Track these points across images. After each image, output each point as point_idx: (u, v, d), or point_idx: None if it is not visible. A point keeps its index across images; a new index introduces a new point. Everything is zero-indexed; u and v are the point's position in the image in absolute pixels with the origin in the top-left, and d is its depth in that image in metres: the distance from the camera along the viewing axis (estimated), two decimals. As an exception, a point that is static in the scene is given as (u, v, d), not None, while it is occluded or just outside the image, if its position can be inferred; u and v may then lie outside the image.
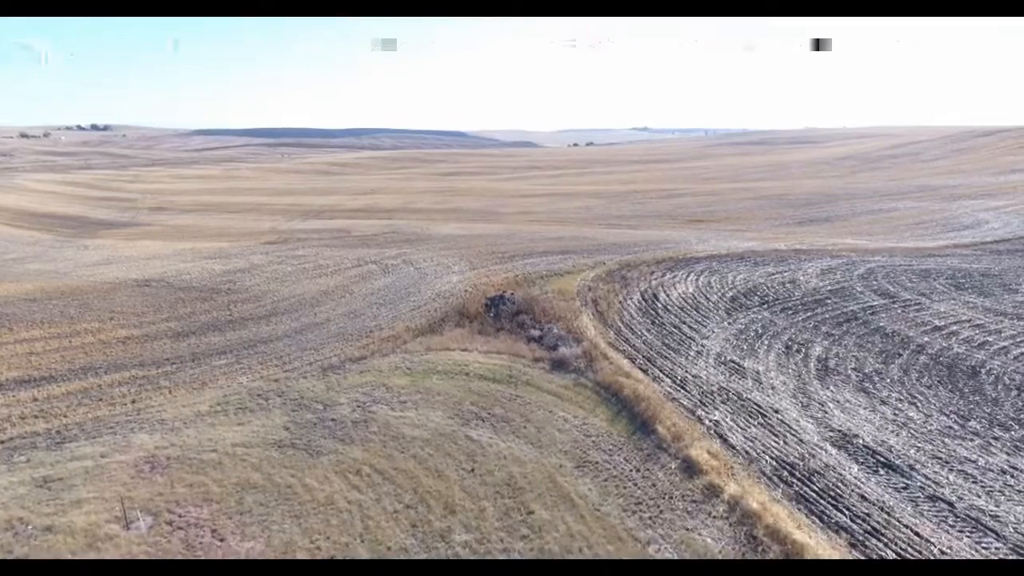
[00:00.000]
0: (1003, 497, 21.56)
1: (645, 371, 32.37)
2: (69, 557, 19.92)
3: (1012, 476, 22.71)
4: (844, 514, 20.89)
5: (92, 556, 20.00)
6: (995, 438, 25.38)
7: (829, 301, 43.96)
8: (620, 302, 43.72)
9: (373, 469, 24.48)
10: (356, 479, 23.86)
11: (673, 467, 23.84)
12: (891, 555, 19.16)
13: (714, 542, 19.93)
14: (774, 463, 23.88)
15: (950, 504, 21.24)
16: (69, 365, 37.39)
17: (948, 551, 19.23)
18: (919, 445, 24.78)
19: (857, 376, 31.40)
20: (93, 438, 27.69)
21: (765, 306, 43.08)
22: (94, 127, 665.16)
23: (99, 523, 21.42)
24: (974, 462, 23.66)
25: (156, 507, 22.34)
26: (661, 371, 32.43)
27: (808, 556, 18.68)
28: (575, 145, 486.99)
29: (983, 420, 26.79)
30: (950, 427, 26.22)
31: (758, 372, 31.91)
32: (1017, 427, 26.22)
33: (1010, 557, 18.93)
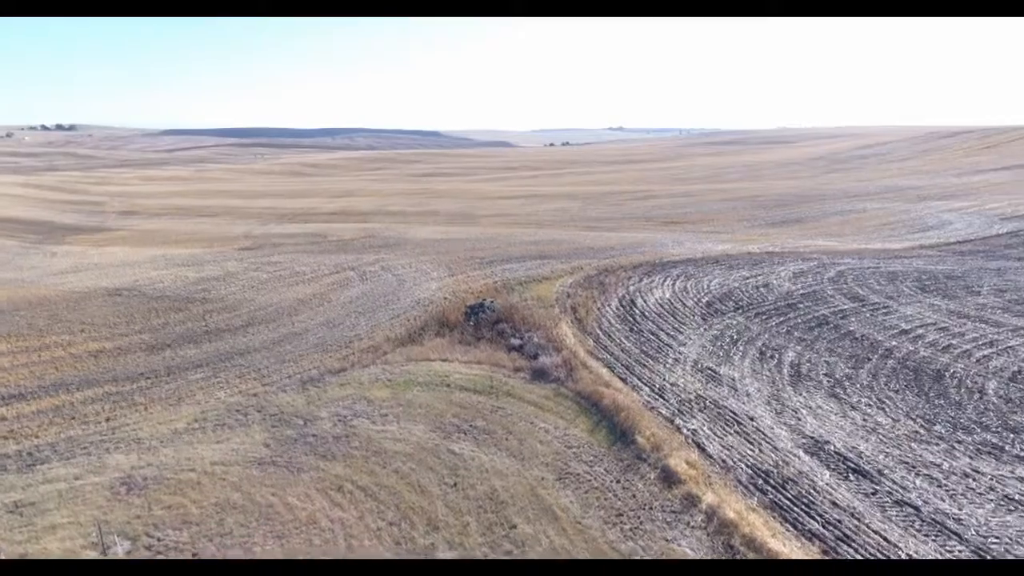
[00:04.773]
0: (965, 500, 22.42)
1: (624, 380, 32.84)
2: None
3: (974, 479, 23.62)
4: (816, 521, 21.54)
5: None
6: (958, 441, 26.34)
7: (801, 305, 44.99)
8: (598, 309, 44.20)
9: (355, 486, 24.49)
10: (338, 496, 23.85)
11: (652, 477, 24.29)
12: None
13: (693, 552, 20.40)
14: (750, 471, 24.49)
15: (916, 508, 22.03)
16: (39, 381, 36.58)
17: (915, 555, 19.96)
18: (887, 450, 25.62)
19: (828, 382, 32.27)
20: (66, 459, 27.20)
21: (740, 311, 43.93)
22: (59, 127, 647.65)
23: (75, 549, 21.10)
24: (939, 466, 24.55)
25: (134, 531, 22.07)
26: (640, 379, 32.93)
27: (783, 564, 19.22)
28: (551, 145, 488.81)
29: (947, 424, 27.77)
30: (916, 431, 27.14)
31: (734, 379, 32.59)
32: (979, 430, 27.23)
33: (971, 558, 19.71)
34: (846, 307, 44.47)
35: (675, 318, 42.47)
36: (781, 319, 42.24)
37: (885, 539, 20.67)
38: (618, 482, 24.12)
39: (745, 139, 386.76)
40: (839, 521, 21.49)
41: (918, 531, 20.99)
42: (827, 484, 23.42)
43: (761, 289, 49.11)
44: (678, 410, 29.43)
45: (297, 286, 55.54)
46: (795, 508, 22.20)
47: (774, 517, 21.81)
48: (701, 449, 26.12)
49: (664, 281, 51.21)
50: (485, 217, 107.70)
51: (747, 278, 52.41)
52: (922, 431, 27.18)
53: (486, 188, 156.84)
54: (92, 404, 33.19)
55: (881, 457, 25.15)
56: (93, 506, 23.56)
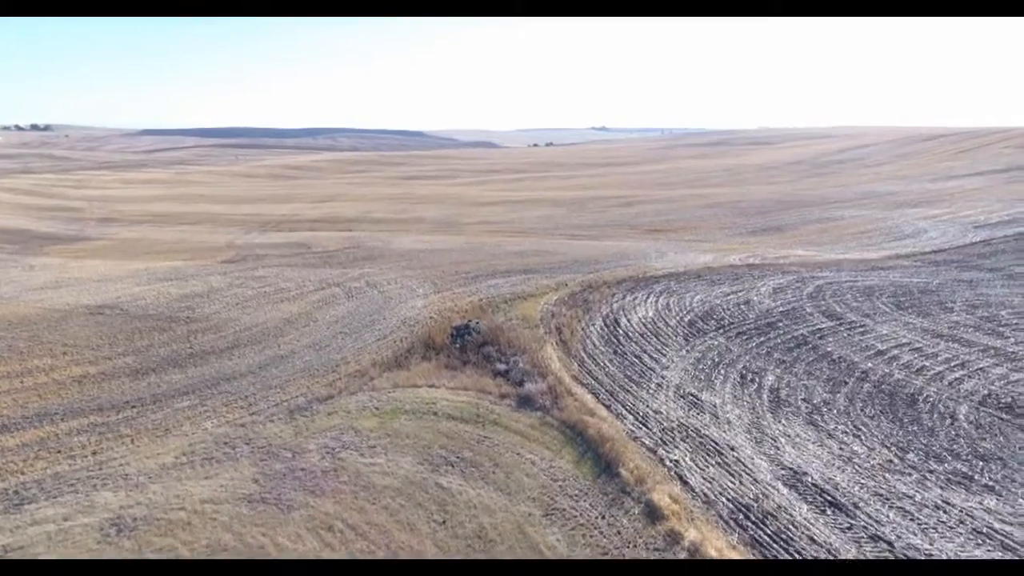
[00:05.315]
0: (936, 534, 23.34)
1: (608, 407, 33.48)
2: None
3: (945, 512, 24.57)
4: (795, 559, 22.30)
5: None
6: (930, 471, 27.33)
7: (780, 324, 45.99)
8: (583, 329, 44.82)
9: (345, 524, 24.81)
10: (329, 536, 24.16)
11: (636, 512, 24.92)
12: (837, 597, 20.60)
13: (676, 591, 21.03)
14: (731, 505, 25.22)
15: (890, 543, 22.90)
16: (22, 410, 36.29)
17: (888, 590, 20.79)
18: (862, 482, 26.51)
19: (807, 407, 33.19)
20: (54, 498, 27.17)
21: (721, 330, 44.81)
22: (34, 127, 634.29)
23: (67, 597, 21.17)
24: (911, 498, 25.48)
25: (125, 576, 22.18)
26: (623, 406, 33.59)
27: (762, 604, 19.97)
28: (535, 146, 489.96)
29: (920, 452, 28.77)
30: (891, 461, 28.09)
31: (715, 405, 33.38)
32: (950, 458, 28.26)
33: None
34: (824, 326, 45.55)
35: (658, 339, 43.22)
36: (761, 339, 43.18)
37: None
38: (603, 518, 24.72)
39: (727, 140, 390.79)
40: (816, 558, 22.26)
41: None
42: (805, 519, 24.23)
43: (742, 307, 50.08)
44: (661, 440, 30.12)
45: (282, 304, 55.46)
46: (774, 544, 22.96)
47: (754, 555, 22.53)
48: (683, 482, 26.82)
49: (647, 298, 52.00)
50: (470, 225, 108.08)
51: (728, 294, 53.39)
52: (896, 460, 28.14)
53: (470, 193, 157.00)
54: (78, 436, 33.06)
55: (856, 489, 26.04)
56: (84, 549, 23.63)
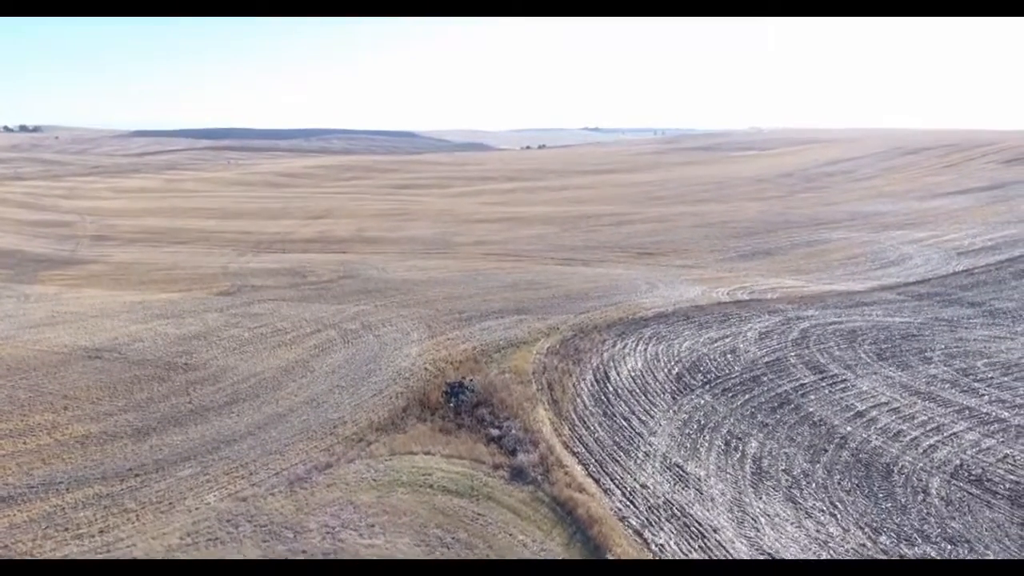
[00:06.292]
0: (904, 631, 24.87)
1: (597, 480, 34.82)
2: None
3: (912, 604, 26.09)
4: (770, 656, 23.78)
5: None
6: (900, 556, 28.87)
7: (765, 378, 47.50)
8: (573, 386, 46.16)
9: (346, 618, 26.04)
10: (330, 631, 25.39)
11: (623, 604, 26.31)
12: None
13: None
14: (712, 597, 26.65)
15: (860, 641, 24.39)
16: (27, 478, 37.15)
17: None
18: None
19: (787, 480, 34.66)
20: (64, 586, 28.19)
21: (707, 386, 46.27)
22: (23, 128, 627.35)
23: None
24: (882, 588, 26.99)
25: None
26: (612, 479, 34.95)
27: None
28: (528, 148, 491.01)
29: (892, 534, 30.29)
30: (863, 544, 29.61)
31: (699, 479, 34.81)
32: (920, 541, 29.81)
33: None
34: (806, 381, 47.09)
35: (646, 397, 44.61)
36: (746, 396, 44.66)
37: (830, 675, 22.96)
38: (591, 610, 26.08)
39: (718, 144, 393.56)
40: (790, 656, 23.73)
41: (860, 666, 23.33)
42: (781, 613, 25.68)
43: (728, 356, 51.58)
44: (647, 520, 31.50)
45: (279, 349, 56.40)
46: (751, 642, 24.40)
47: (732, 654, 23.98)
48: (668, 569, 28.19)
49: (637, 346, 53.42)
50: (462, 245, 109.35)
51: (715, 341, 54.89)
52: (868, 543, 29.67)
53: (463, 208, 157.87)
54: (84, 509, 33.99)
55: (830, 578, 27.50)
56: (95, 648, 24.71)
